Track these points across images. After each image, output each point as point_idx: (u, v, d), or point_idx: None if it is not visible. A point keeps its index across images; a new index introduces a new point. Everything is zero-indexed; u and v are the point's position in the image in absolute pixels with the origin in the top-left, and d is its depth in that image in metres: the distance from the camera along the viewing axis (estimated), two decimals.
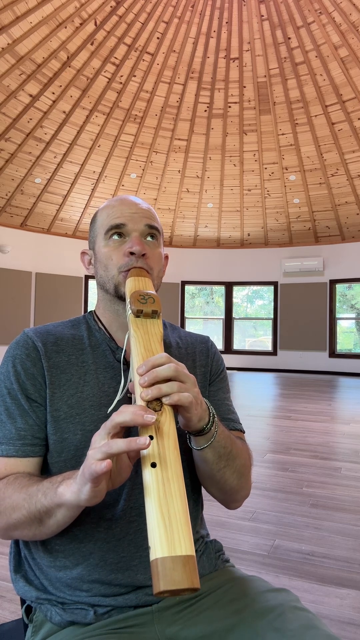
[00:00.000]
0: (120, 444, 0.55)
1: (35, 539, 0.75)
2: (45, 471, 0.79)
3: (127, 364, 0.83)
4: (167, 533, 0.49)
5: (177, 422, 0.67)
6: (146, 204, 0.88)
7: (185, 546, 0.49)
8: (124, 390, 0.78)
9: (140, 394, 0.60)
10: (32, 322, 9.73)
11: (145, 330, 0.69)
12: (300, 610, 0.72)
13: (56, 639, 0.72)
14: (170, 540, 0.49)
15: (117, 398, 0.76)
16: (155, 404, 0.60)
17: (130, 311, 0.72)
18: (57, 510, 0.65)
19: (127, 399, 0.80)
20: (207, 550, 0.86)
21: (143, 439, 0.54)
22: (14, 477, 0.73)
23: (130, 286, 0.76)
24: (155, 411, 0.59)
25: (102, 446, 0.56)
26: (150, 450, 0.55)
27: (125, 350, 0.82)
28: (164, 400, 0.60)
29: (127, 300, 0.74)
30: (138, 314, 0.71)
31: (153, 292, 0.75)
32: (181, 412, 0.65)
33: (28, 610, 0.81)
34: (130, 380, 0.67)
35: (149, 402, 0.59)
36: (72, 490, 0.61)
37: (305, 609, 0.73)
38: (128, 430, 0.61)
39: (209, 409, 0.71)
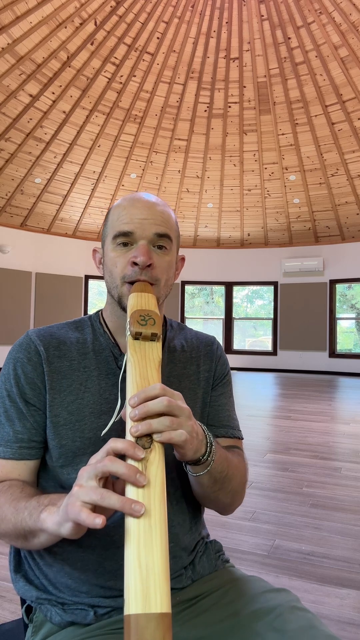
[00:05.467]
0: (114, 502, 0.52)
1: (24, 549, 0.76)
2: (43, 472, 0.79)
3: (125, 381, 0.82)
4: (142, 587, 0.47)
5: (172, 449, 0.65)
6: (161, 206, 0.82)
7: (161, 603, 0.46)
8: (119, 414, 0.75)
9: (129, 429, 0.57)
10: (32, 322, 9.73)
11: (142, 355, 0.66)
12: (300, 610, 0.72)
13: (56, 639, 0.72)
14: (145, 596, 0.46)
15: (113, 420, 0.73)
16: (145, 440, 0.56)
17: (128, 332, 0.69)
18: (40, 533, 0.64)
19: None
20: (207, 550, 0.86)
21: (139, 507, 0.50)
22: (8, 486, 0.72)
23: (132, 303, 0.73)
24: (145, 448, 0.56)
25: (92, 490, 0.53)
26: (133, 495, 0.52)
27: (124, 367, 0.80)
28: (155, 437, 0.57)
29: (127, 319, 0.71)
30: (137, 336, 0.68)
31: (155, 310, 0.72)
32: (175, 447, 0.63)
33: (28, 610, 0.81)
34: (124, 406, 0.64)
35: (138, 438, 0.57)
36: (53, 520, 0.59)
37: (305, 609, 0.73)
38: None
39: (206, 437, 0.68)
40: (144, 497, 0.52)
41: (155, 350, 0.67)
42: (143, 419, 0.58)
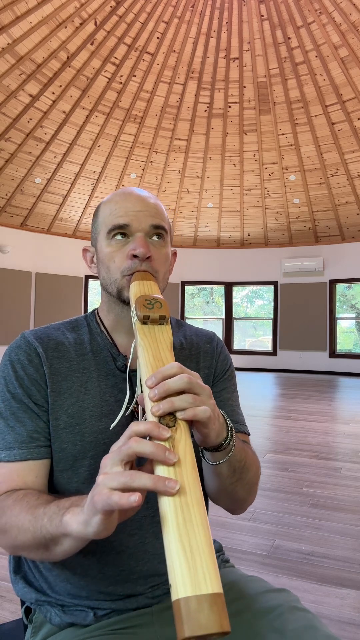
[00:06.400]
0: (145, 481, 0.48)
1: (44, 562, 0.72)
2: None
3: (132, 370, 0.79)
4: (189, 569, 0.43)
5: (192, 435, 0.63)
6: (153, 199, 0.82)
7: (212, 583, 0.43)
8: (132, 404, 0.73)
9: (151, 409, 0.54)
10: (32, 322, 9.73)
11: (153, 338, 0.63)
12: (300, 610, 0.72)
13: (55, 639, 0.72)
14: (194, 577, 0.43)
15: (121, 414, 0.71)
16: (168, 419, 0.54)
17: (136, 318, 0.66)
18: (63, 539, 0.59)
19: (131, 413, 0.76)
20: None
21: (173, 483, 0.47)
22: (23, 494, 0.68)
23: (134, 291, 0.71)
24: (169, 427, 0.53)
25: (119, 474, 0.49)
26: (165, 473, 0.49)
27: (131, 359, 0.77)
28: (178, 415, 0.54)
29: (132, 306, 0.69)
30: (145, 320, 0.65)
31: (160, 296, 0.70)
32: (198, 428, 0.59)
33: (27, 611, 0.80)
34: (140, 392, 0.61)
35: (161, 417, 0.54)
36: (78, 520, 0.54)
37: (305, 609, 0.72)
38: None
39: (226, 422, 0.65)
40: (176, 476, 0.49)
41: (165, 332, 0.65)
42: (163, 398, 0.55)
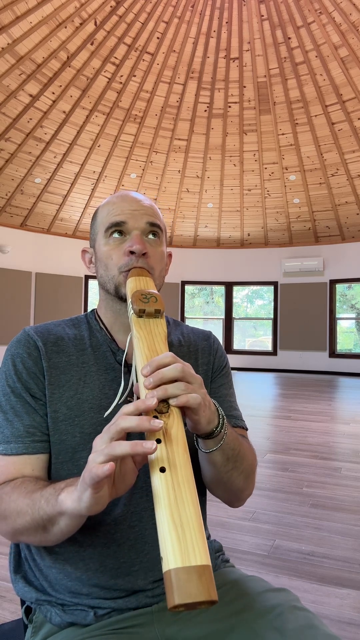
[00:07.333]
0: (125, 447, 0.52)
1: (42, 545, 0.74)
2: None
3: (127, 366, 0.81)
4: (179, 542, 0.46)
5: (185, 424, 0.65)
6: (148, 201, 0.86)
7: (200, 555, 0.46)
8: (125, 394, 0.76)
9: (145, 396, 0.57)
10: (32, 322, 9.73)
11: (148, 331, 0.67)
12: (300, 610, 0.72)
13: (56, 639, 0.72)
14: (184, 550, 0.46)
15: (116, 402, 0.74)
16: (161, 405, 0.57)
17: (132, 311, 0.69)
18: (59, 518, 0.62)
19: (127, 403, 0.78)
20: None
21: (150, 443, 0.51)
22: (21, 481, 0.71)
23: (131, 286, 0.74)
24: (162, 413, 0.56)
25: (104, 448, 0.53)
26: (158, 454, 0.52)
27: (126, 352, 0.80)
28: (171, 401, 0.58)
29: (129, 300, 0.72)
30: (140, 313, 0.69)
31: (155, 291, 0.73)
32: (189, 414, 0.62)
33: (28, 611, 0.80)
34: (135, 382, 0.64)
35: None
36: (72, 497, 0.58)
37: (305, 609, 0.73)
38: (129, 434, 0.58)
39: (217, 410, 0.68)
40: (168, 456, 0.52)
41: (160, 325, 0.68)
42: (158, 386, 0.57)
